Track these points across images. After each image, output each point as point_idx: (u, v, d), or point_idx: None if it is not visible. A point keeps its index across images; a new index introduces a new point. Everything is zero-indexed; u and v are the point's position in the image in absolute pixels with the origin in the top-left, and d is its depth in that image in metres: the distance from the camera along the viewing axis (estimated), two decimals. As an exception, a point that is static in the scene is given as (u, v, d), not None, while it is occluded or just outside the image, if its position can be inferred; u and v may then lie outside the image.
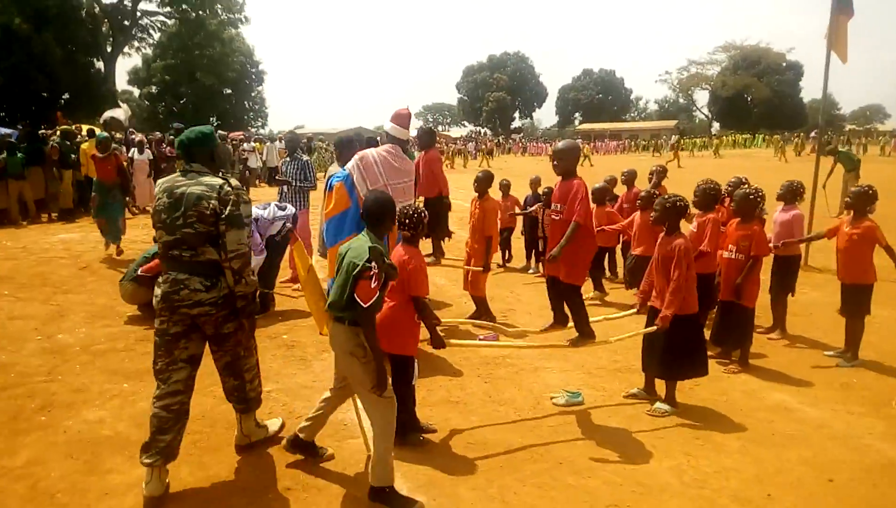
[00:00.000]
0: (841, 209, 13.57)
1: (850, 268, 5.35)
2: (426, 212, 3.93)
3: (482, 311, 6.70)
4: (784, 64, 74.28)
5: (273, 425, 4.15)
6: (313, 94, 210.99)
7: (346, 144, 6.04)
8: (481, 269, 6.49)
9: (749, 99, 74.58)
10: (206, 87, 50.39)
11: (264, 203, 6.96)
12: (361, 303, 3.24)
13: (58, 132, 14.20)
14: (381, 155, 5.26)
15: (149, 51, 51.03)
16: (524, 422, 4.35)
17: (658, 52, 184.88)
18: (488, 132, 77.08)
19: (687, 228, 5.83)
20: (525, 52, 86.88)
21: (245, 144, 20.99)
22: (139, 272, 6.38)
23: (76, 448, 3.95)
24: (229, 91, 54.29)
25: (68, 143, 13.55)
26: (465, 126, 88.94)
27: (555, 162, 4.70)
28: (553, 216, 4.70)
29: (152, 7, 47.36)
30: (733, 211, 5.43)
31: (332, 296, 3.39)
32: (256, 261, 6.38)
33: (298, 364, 5.40)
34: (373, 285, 3.25)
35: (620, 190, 8.50)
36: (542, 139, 67.99)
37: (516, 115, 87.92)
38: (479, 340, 6.06)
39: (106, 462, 3.77)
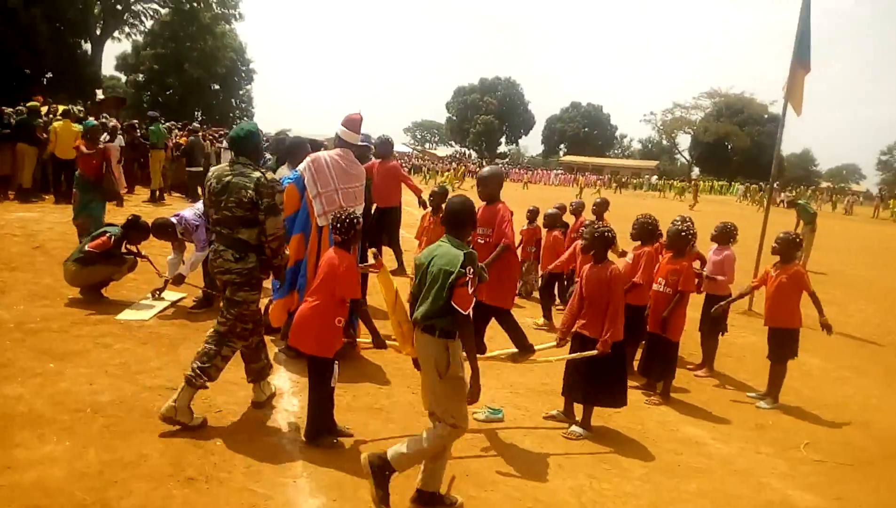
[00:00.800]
0: (804, 260, 14.00)
1: (776, 312, 5.54)
2: (360, 219, 4.02)
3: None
4: (766, 116, 76.06)
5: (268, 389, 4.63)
6: (301, 98, 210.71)
7: (297, 147, 6.11)
8: None
9: (729, 147, 76.17)
10: (193, 79, 50.14)
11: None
12: (461, 310, 3.22)
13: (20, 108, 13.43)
14: (333, 158, 5.33)
15: (139, 38, 50.74)
16: (441, 434, 4.42)
17: (645, 91, 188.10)
18: (474, 154, 77.72)
19: (622, 261, 6.04)
20: (516, 78, 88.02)
21: (225, 141, 20.96)
22: (87, 248, 6.35)
23: (-14, 421, 3.93)
24: (217, 87, 54.07)
25: (41, 120, 13.38)
26: (451, 146, 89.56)
27: (480, 188, 4.91)
28: (479, 240, 4.86)
29: (146, -7, 47.21)
30: (665, 246, 5.62)
31: (425, 307, 3.33)
32: (199, 256, 6.40)
33: (231, 361, 5.40)
34: (470, 291, 3.25)
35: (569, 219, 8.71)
36: (526, 166, 68.73)
37: (503, 140, 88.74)
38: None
39: (15, 437, 3.76)
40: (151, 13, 49.20)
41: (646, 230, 5.84)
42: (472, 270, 3.25)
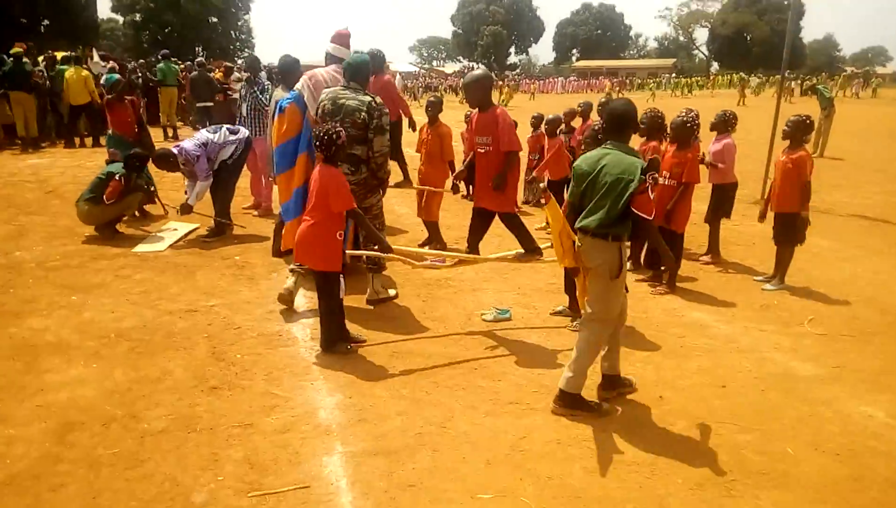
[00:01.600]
0: (817, 147, 13.70)
1: (782, 197, 5.50)
2: (340, 133, 4.02)
3: (434, 237, 6.87)
4: (786, 2, 72.30)
5: (391, 292, 5.24)
6: (303, 24, 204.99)
7: (290, 67, 6.04)
8: (438, 190, 6.63)
9: (749, 38, 73.01)
10: (191, 15, 49.07)
11: (215, 126, 7.01)
12: (646, 216, 3.28)
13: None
14: (331, 74, 5.27)
15: (133, -23, 49.36)
16: (451, 336, 4.58)
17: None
18: (483, 68, 75.63)
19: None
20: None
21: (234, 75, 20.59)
22: (105, 199, 6.46)
23: (18, 351, 4.16)
24: (215, 20, 52.89)
25: (37, 68, 13.28)
26: (459, 61, 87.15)
27: (468, 95, 4.78)
28: (479, 150, 4.78)
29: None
30: (670, 139, 5.55)
31: (599, 215, 3.34)
32: (203, 186, 6.48)
33: (246, 283, 5.59)
34: (651, 197, 3.34)
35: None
36: (537, 76, 66.82)
37: (512, 50, 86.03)
38: (427, 263, 6.27)
39: (45, 364, 4.00)
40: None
41: (654, 124, 5.76)
42: (653, 175, 3.28)
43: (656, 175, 3.24)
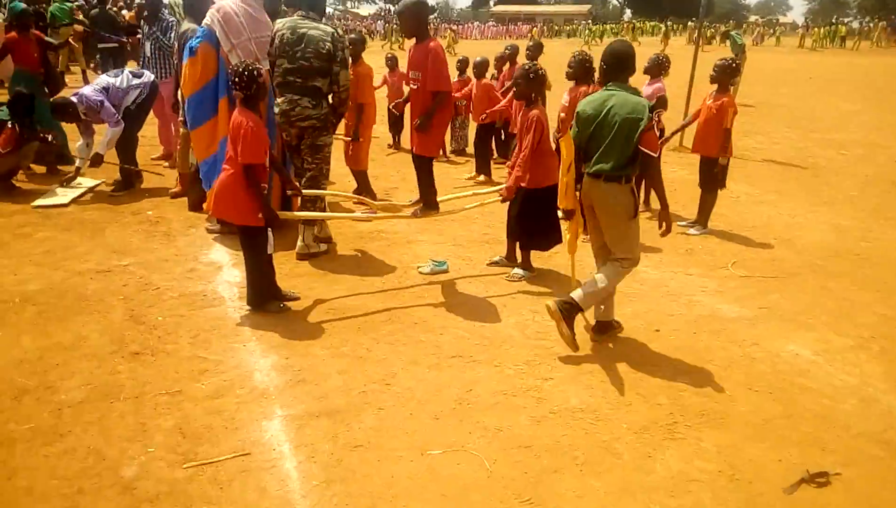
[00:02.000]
0: (734, 92, 14.16)
1: (706, 141, 5.62)
2: (261, 70, 3.73)
3: (363, 187, 6.66)
4: (696, -50, 73.86)
5: (322, 247, 5.00)
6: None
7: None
8: (351, 139, 6.36)
9: (662, -14, 74.17)
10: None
11: (116, 70, 6.43)
12: (652, 153, 3.34)
13: None
14: (239, 5, 4.83)
15: None
16: (388, 291, 4.45)
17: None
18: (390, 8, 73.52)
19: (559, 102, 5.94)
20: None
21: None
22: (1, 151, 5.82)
23: None
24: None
25: None
26: (375, 3, 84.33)
27: (401, 23, 4.52)
28: (411, 84, 4.56)
29: None
30: (599, 82, 5.50)
31: (613, 159, 3.38)
32: (114, 133, 5.96)
33: (161, 239, 5.22)
34: (657, 134, 3.34)
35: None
36: (455, 20, 65.69)
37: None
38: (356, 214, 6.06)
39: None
40: None
41: (582, 67, 5.68)
42: (658, 113, 3.42)
43: (661, 112, 3.37)
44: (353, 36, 6.52)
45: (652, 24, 56.63)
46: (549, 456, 2.74)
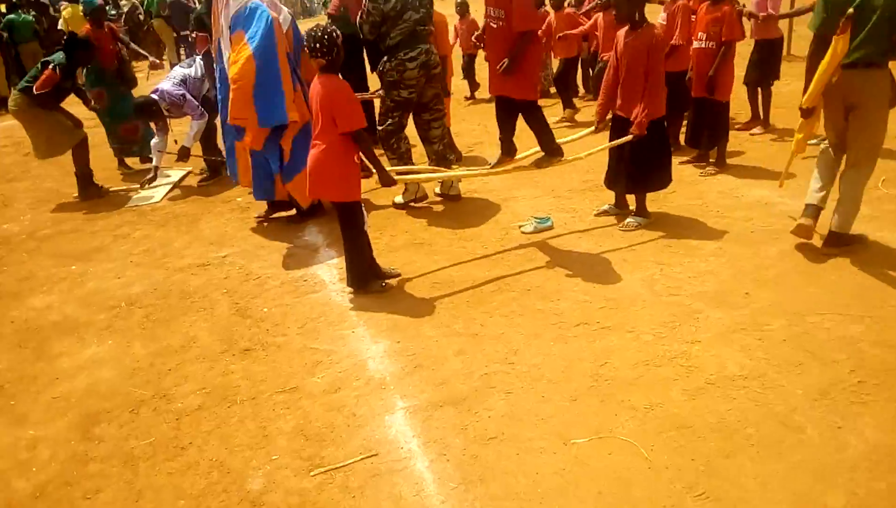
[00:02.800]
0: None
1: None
2: (338, 31, 3.41)
3: (447, 146, 6.30)
4: None
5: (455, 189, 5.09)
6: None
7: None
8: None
9: None
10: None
11: (188, 59, 6.29)
12: None
13: None
14: None
15: None
16: (491, 256, 4.12)
17: None
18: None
19: (655, 20, 5.31)
20: None
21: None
22: (35, 91, 5.64)
23: (23, 336, 3.75)
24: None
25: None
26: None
27: None
28: (491, 24, 4.06)
29: None
30: (699, -8, 4.86)
31: (871, 44, 3.26)
32: (199, 125, 5.82)
33: (253, 225, 5.10)
34: None
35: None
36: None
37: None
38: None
39: (55, 347, 3.60)
40: None
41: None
42: None
43: None
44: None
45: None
46: (715, 437, 2.36)
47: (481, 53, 8.79)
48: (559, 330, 3.17)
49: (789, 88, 6.81)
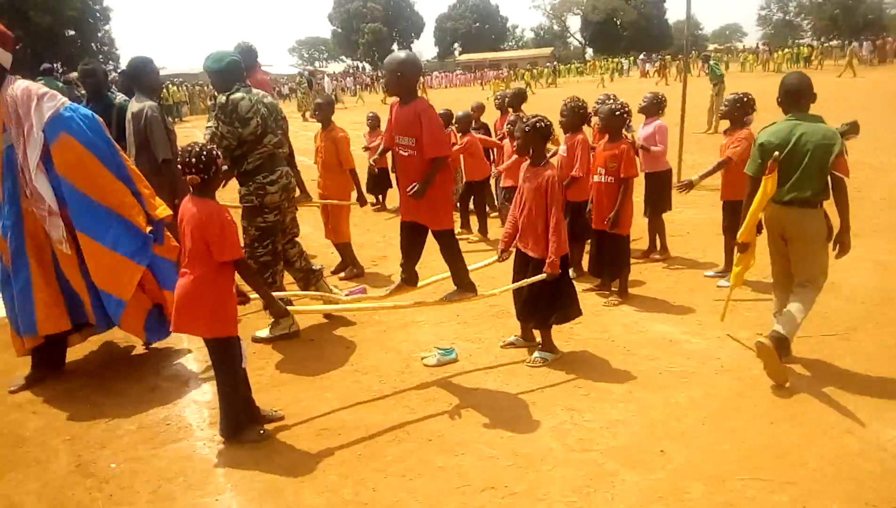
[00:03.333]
0: (710, 124, 13.84)
1: (730, 183, 5.04)
2: (215, 150, 3.08)
3: (348, 260, 5.99)
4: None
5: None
6: (169, 31, 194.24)
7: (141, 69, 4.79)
8: (344, 203, 5.76)
9: (618, 23, 76.02)
10: (43, 29, 44.65)
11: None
12: (845, 176, 3.45)
13: None
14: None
15: (-32, -9, 44.15)
16: (390, 396, 3.71)
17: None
18: (367, 67, 74.32)
19: (556, 152, 5.39)
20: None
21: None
22: None
23: None
24: (72, 32, 48.59)
25: None
26: (342, 61, 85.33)
27: (389, 78, 3.73)
28: (401, 152, 3.84)
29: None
30: (600, 129, 4.96)
31: (812, 185, 3.49)
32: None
33: (117, 349, 4.47)
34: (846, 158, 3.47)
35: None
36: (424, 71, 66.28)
37: (395, 46, 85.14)
38: (344, 295, 5.38)
39: None
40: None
41: (577, 115, 5.13)
42: (849, 137, 3.69)
43: (852, 136, 3.74)
44: (319, 100, 5.93)
45: (616, 60, 57.58)
46: None
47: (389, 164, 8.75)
48: (462, 498, 2.77)
49: (682, 215, 7.09)
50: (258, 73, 6.02)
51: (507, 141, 6.51)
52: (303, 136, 14.82)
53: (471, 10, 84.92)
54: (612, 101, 4.81)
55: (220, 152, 3.09)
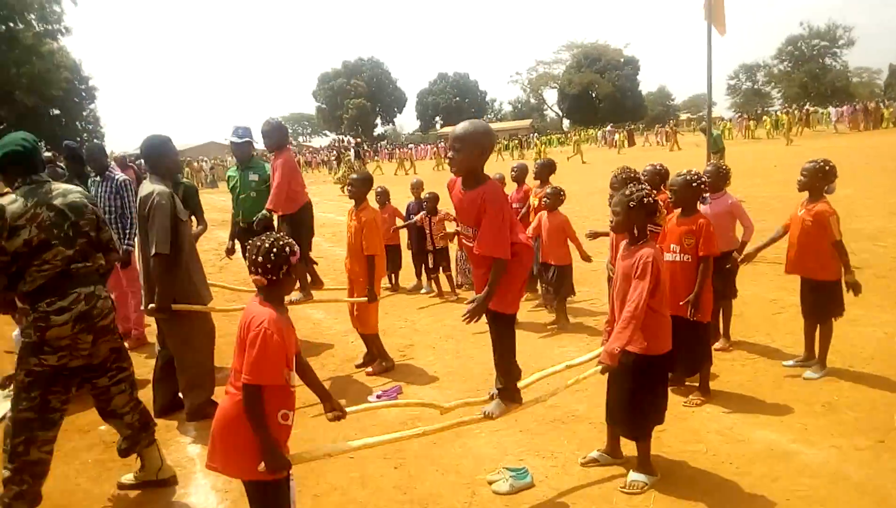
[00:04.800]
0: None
1: (804, 261, 4.54)
2: (290, 246, 2.50)
3: (376, 353, 5.34)
4: (622, 59, 78.88)
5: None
6: (156, 108, 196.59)
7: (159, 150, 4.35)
8: (358, 299, 5.14)
9: (594, 95, 78.31)
10: (28, 108, 44.62)
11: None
12: None
13: None
14: None
15: (-45, 71, 44.24)
16: (460, 534, 3.02)
17: (507, 53, 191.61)
18: (352, 140, 75.17)
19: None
20: (379, 58, 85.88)
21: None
22: None
23: None
24: (57, 111, 48.70)
25: None
26: (326, 135, 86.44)
27: (450, 154, 3.11)
28: (464, 241, 3.31)
29: (-49, 20, 40.72)
30: (673, 202, 4.44)
31: None
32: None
33: (119, 475, 3.72)
34: None
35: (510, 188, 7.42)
36: (402, 144, 67.15)
37: (378, 121, 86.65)
38: (375, 399, 4.72)
39: None
40: (-38, 41, 42.77)
41: (654, 181, 4.70)
42: None
43: None
44: (354, 176, 5.36)
45: (591, 131, 58.63)
46: None
47: (403, 241, 8.22)
48: None
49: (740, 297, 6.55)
50: (288, 150, 5.63)
51: (543, 214, 6.06)
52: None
53: (451, 84, 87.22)
54: (685, 171, 4.33)
55: (295, 249, 2.50)
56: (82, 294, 3.13)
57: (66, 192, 3.24)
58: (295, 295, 5.20)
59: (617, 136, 43.51)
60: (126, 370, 3.44)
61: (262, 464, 2.41)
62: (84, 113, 52.17)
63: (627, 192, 3.31)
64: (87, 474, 3.80)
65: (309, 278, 5.68)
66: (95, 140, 51.32)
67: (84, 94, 51.23)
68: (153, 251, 4.07)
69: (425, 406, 3.76)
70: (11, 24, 41.78)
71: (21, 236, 3.02)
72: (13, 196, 3.12)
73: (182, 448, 4.06)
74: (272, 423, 2.45)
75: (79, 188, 3.39)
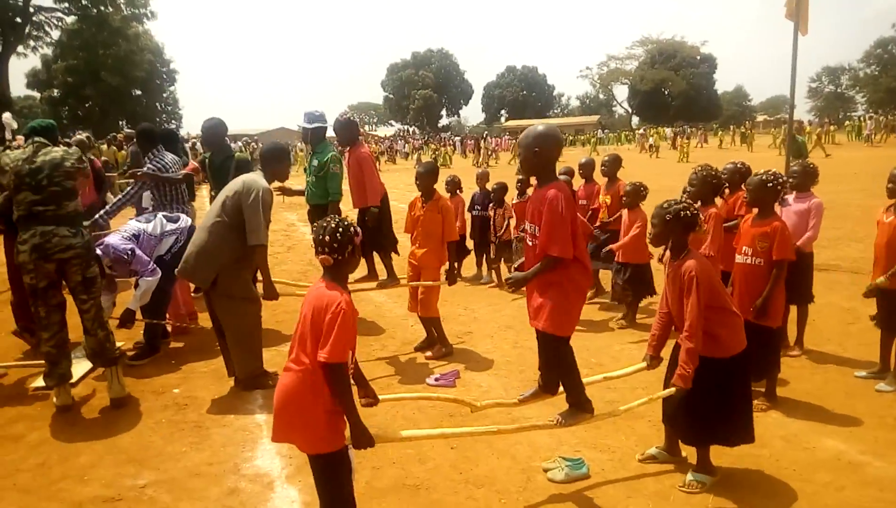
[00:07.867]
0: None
1: (889, 268, 4.35)
2: (353, 226, 2.59)
3: (436, 337, 5.42)
4: (698, 57, 76.48)
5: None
6: (231, 93, 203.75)
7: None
8: (436, 283, 5.26)
9: (666, 92, 76.27)
10: (112, 88, 46.99)
11: (148, 214, 5.41)
12: None
13: None
14: None
15: (48, 51, 46.95)
16: (514, 516, 3.07)
17: (578, 47, 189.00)
18: (416, 131, 75.78)
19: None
20: (449, 49, 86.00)
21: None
22: None
23: None
24: (138, 92, 51.06)
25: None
26: (392, 125, 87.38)
27: (521, 154, 3.26)
28: (528, 240, 3.34)
29: (47, 2, 43.10)
30: (748, 202, 4.31)
31: None
32: (148, 284, 4.81)
33: (190, 435, 3.95)
34: None
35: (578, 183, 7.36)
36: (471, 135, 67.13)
37: (443, 112, 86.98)
38: (433, 381, 4.80)
39: None
40: (56, 22, 45.35)
41: (708, 184, 4.58)
42: None
43: None
44: (419, 169, 5.41)
45: (660, 129, 57.06)
46: None
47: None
48: None
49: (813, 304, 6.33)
50: (361, 145, 5.86)
51: (624, 212, 6.03)
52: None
53: (518, 78, 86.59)
54: (763, 172, 4.20)
55: (358, 229, 2.59)
56: (38, 231, 3.99)
57: (49, 151, 4.12)
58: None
59: (651, 140, 37.77)
60: (87, 300, 4.22)
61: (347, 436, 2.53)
62: (164, 95, 54.39)
63: (665, 204, 3.26)
64: (161, 432, 4.01)
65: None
66: (174, 121, 53.71)
67: (165, 76, 53.41)
68: (257, 242, 4.33)
69: (456, 403, 3.78)
70: (102, 8, 43.88)
71: (6, 177, 4.09)
72: (20, 151, 4.16)
73: (250, 414, 4.24)
74: (332, 402, 2.53)
75: (64, 148, 4.25)
